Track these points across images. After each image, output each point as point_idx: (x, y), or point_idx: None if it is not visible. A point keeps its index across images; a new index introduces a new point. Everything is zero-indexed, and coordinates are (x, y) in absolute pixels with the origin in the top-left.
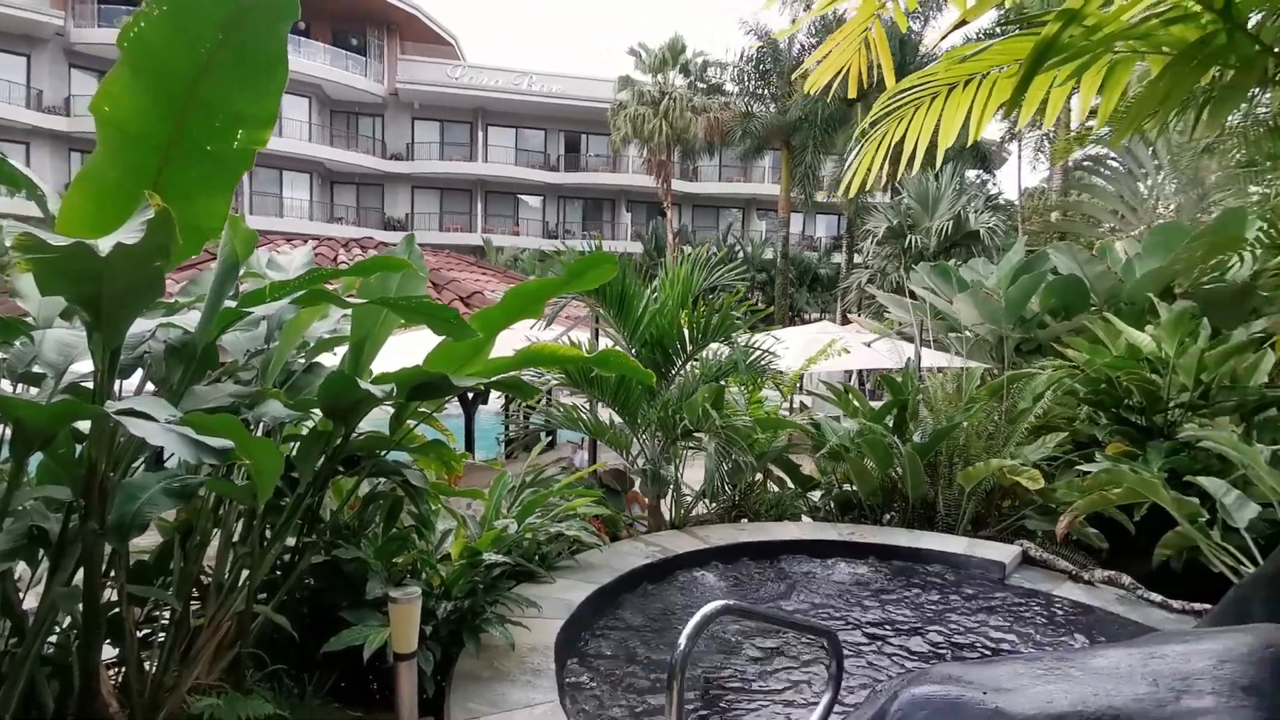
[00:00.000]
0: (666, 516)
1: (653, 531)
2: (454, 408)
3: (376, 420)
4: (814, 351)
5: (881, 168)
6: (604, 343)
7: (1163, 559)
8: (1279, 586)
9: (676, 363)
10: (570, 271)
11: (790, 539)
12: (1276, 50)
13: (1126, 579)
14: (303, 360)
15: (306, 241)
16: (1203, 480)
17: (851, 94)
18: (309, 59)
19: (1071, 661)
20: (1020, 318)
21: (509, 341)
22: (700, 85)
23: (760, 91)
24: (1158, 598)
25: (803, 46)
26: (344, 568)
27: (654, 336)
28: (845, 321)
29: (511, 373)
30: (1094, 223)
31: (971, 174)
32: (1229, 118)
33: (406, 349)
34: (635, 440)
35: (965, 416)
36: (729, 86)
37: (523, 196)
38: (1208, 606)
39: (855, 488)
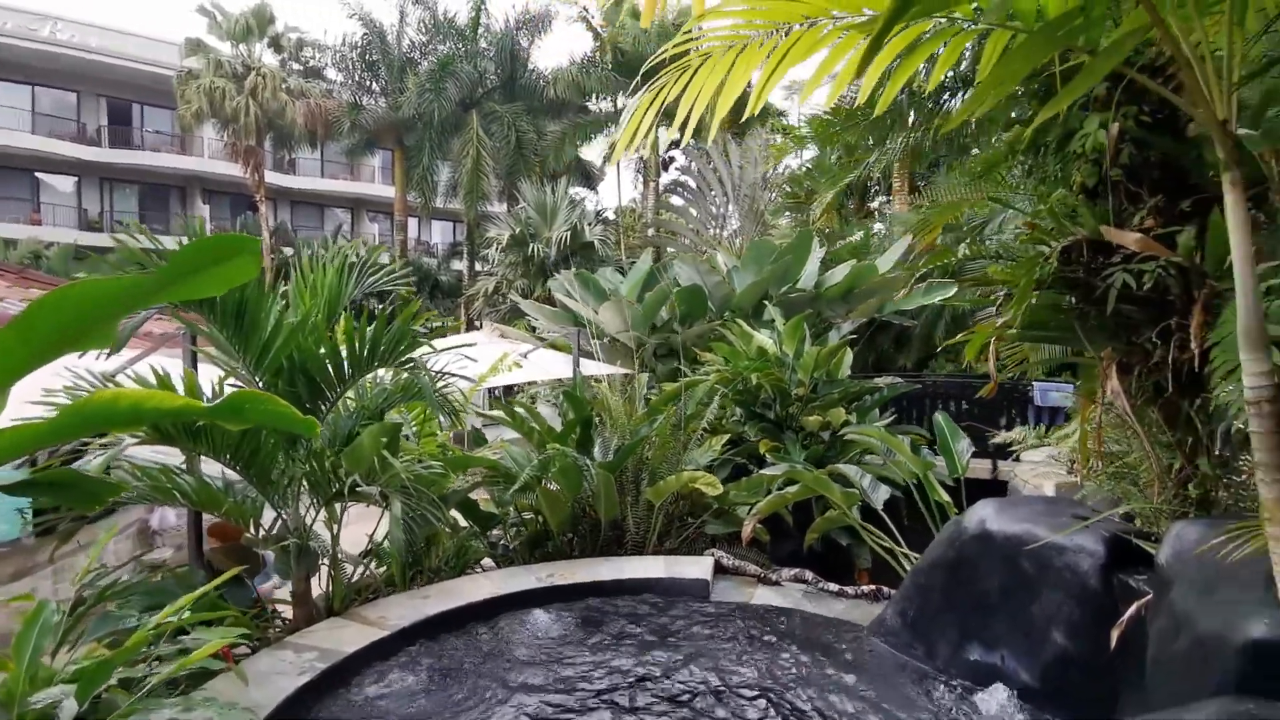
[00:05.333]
0: (316, 593)
1: (303, 628)
2: None
3: None
4: (483, 367)
5: (650, 133)
6: (208, 373)
7: (811, 541)
8: (957, 573)
9: (331, 397)
10: (178, 266)
11: (486, 598)
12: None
13: (809, 574)
14: None
15: None
16: (843, 467)
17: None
18: None
19: None
20: (652, 324)
21: (37, 381)
22: (296, 66)
23: (368, 84)
24: (835, 588)
25: (413, 44)
26: None
27: (296, 362)
28: (471, 328)
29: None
30: (676, 237)
31: (578, 190)
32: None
33: None
34: (270, 507)
35: (653, 429)
36: (331, 74)
37: (45, 176)
38: (876, 587)
39: (544, 519)
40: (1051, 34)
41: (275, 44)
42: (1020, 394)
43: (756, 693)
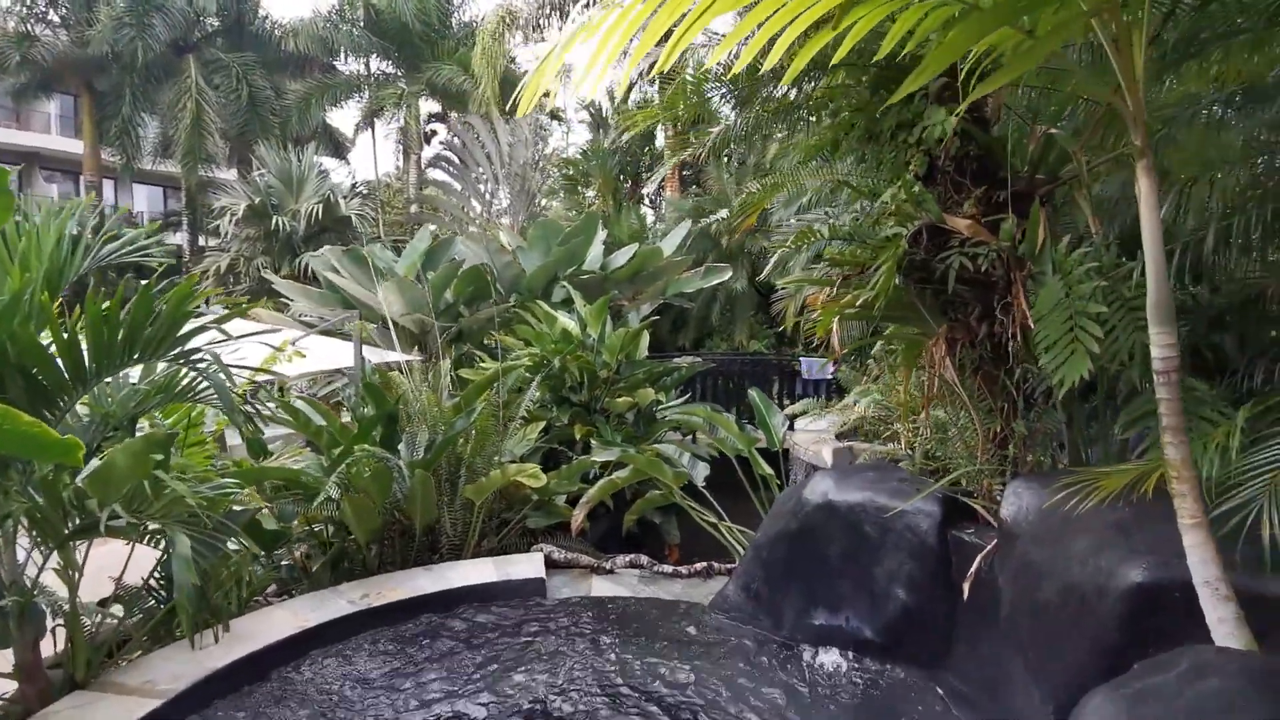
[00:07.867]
0: (47, 655)
1: (37, 710)
2: None
3: None
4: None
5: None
6: None
7: (630, 522)
8: (801, 543)
9: (63, 403)
10: None
11: (290, 634)
12: None
13: (644, 559)
14: None
15: None
16: (662, 447)
17: None
18: None
19: None
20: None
21: None
22: None
23: (43, 10)
24: (670, 569)
25: None
26: None
27: (10, 357)
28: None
29: None
30: (439, 214)
31: (322, 159)
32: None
33: None
34: None
35: (471, 421)
36: None
37: None
38: (707, 565)
39: (345, 531)
40: (1001, 12)
41: None
42: (787, 368)
43: (614, 688)
